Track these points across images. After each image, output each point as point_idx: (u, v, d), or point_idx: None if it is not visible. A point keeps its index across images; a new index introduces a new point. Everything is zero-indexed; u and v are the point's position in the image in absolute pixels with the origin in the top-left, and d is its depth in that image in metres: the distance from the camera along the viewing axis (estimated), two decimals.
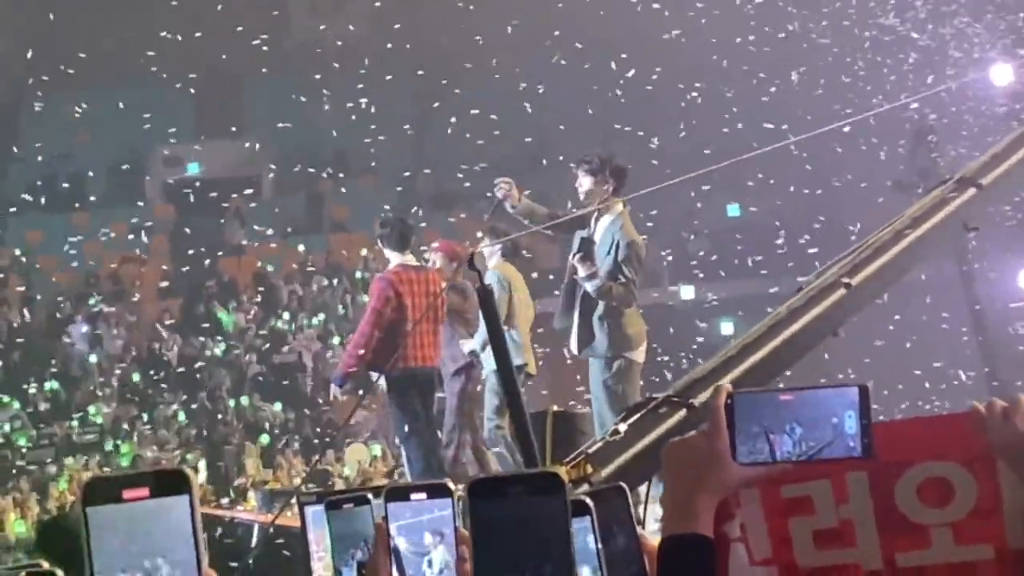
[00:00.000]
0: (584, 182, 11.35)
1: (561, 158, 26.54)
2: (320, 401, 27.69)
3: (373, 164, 34.49)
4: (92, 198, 35.81)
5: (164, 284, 32.42)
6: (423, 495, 2.65)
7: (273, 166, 35.88)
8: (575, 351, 11.33)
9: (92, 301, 31.01)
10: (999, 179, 8.67)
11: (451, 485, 2.66)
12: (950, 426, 2.72)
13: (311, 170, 34.61)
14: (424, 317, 12.25)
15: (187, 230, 33.54)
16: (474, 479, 2.27)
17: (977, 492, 2.68)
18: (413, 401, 12.51)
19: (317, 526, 3.43)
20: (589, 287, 11.03)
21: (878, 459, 2.59)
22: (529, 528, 2.21)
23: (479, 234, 13.94)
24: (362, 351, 12.48)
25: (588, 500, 2.71)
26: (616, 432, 6.96)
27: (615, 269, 11.02)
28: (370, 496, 3.23)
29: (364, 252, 30.79)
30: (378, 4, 32.35)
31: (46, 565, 2.14)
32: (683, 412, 7.05)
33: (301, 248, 33.26)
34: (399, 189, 33.35)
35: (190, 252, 32.07)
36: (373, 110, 30.94)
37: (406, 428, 12.56)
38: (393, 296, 12.40)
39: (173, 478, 1.93)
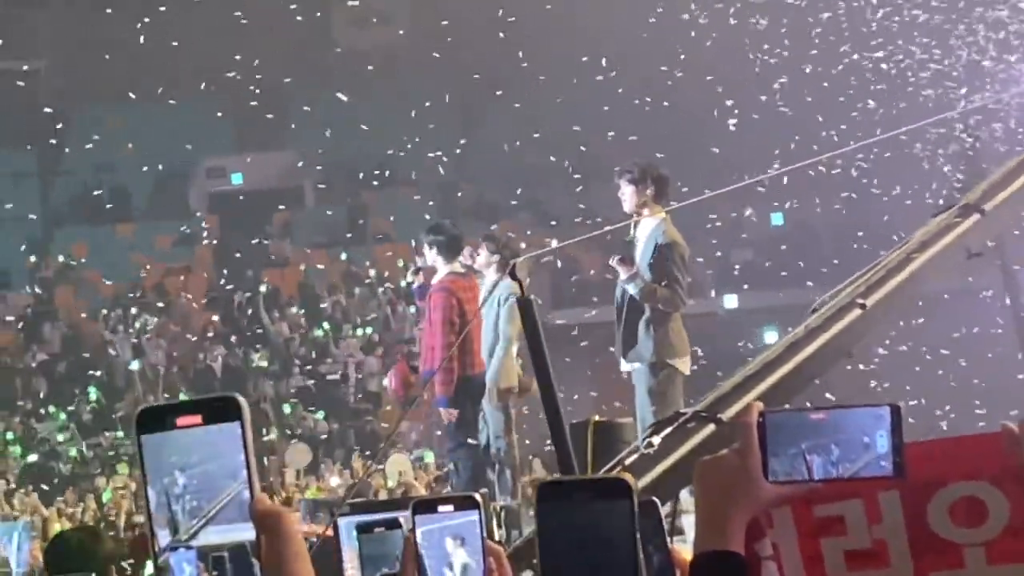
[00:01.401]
0: (626, 191, 11.30)
1: (611, 168, 26.56)
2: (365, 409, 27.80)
3: (415, 175, 34.56)
4: (137, 210, 36.02)
5: (210, 295, 32.57)
6: (450, 507, 2.65)
7: (315, 177, 35.97)
8: (620, 358, 11.27)
9: (136, 311, 31.16)
10: (1002, 205, 8.80)
11: (478, 497, 2.67)
12: (982, 445, 2.71)
13: (356, 180, 34.72)
14: (474, 324, 12.28)
15: (231, 241, 33.70)
16: (542, 482, 2.29)
17: (1010, 511, 2.66)
18: (467, 410, 12.53)
19: (350, 540, 3.44)
20: (631, 289, 10.98)
21: (910, 479, 2.58)
22: (596, 533, 2.22)
23: (522, 244, 13.87)
24: (453, 364, 12.44)
25: (629, 479, 2.72)
26: (650, 445, 7.01)
27: (659, 272, 10.97)
28: (402, 520, 3.23)
29: (401, 263, 30.86)
30: (421, 13, 32.47)
31: None
32: (711, 427, 7.12)
33: (344, 258, 33.34)
34: (439, 200, 33.40)
35: (233, 263, 32.22)
36: (415, 121, 31.01)
37: (458, 438, 12.56)
38: (456, 304, 12.43)
39: (225, 405, 1.95)
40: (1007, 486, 2.67)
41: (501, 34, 29.56)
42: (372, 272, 32.45)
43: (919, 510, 2.70)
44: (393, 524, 3.27)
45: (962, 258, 8.61)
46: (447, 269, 12.72)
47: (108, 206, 35.27)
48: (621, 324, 11.18)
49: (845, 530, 2.73)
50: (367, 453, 24.40)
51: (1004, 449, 2.62)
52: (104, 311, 31.75)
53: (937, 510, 2.69)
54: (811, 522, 2.73)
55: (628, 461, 7.11)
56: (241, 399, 1.97)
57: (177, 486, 1.93)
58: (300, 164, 35.72)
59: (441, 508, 2.65)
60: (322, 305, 31.51)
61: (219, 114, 34.02)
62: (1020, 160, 9.30)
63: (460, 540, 2.60)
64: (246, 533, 1.95)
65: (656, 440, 6.99)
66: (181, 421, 1.94)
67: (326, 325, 30.55)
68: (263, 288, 31.86)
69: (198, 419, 1.94)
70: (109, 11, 30.61)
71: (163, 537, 1.96)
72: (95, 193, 35.55)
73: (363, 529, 3.30)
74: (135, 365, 29.24)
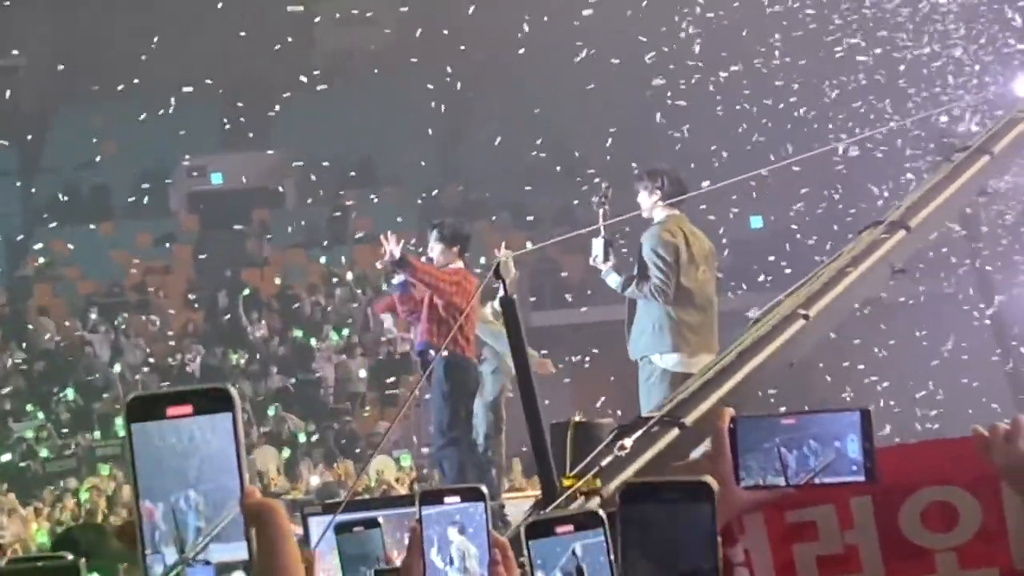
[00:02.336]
0: (641, 195, 11.62)
1: (590, 170, 26.60)
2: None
3: (397, 175, 34.53)
4: (117, 208, 35.94)
5: (190, 296, 32.53)
6: (456, 498, 2.66)
7: (296, 176, 35.91)
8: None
9: (115, 311, 31.10)
10: (926, 221, 9.21)
11: (483, 488, 2.67)
12: (952, 450, 2.71)
13: (337, 180, 34.68)
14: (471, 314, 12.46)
15: (210, 241, 33.65)
16: (628, 483, 2.27)
17: (981, 516, 2.67)
18: (460, 406, 12.57)
19: (325, 539, 3.42)
20: (611, 283, 11.42)
21: (882, 484, 2.58)
22: (678, 535, 2.21)
23: (503, 244, 13.92)
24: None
25: (601, 512, 2.71)
26: (623, 448, 7.18)
27: (640, 267, 11.31)
28: (380, 519, 3.22)
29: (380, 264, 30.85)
30: (404, 13, 32.44)
31: (70, 556, 2.14)
32: (675, 431, 7.36)
33: (323, 260, 33.29)
34: (421, 200, 33.39)
35: (213, 263, 32.17)
36: (397, 122, 30.99)
37: (449, 435, 12.55)
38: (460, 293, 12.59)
39: (217, 395, 1.93)
40: (978, 490, 2.67)
41: (488, 37, 29.58)
42: (349, 274, 32.38)
43: (891, 515, 2.69)
44: (372, 523, 3.26)
45: (887, 273, 8.98)
46: (448, 262, 12.86)
47: (89, 205, 35.20)
48: (629, 320, 11.52)
49: (817, 536, 2.73)
50: (357, 452, 24.36)
51: (975, 454, 2.62)
52: (83, 308, 31.66)
53: (909, 515, 2.69)
54: (783, 528, 2.72)
55: (604, 462, 7.21)
56: (233, 390, 1.95)
57: (167, 477, 1.92)
58: (281, 164, 35.65)
59: (447, 499, 2.65)
60: (295, 306, 31.44)
61: (200, 113, 33.95)
62: (941, 176, 9.64)
63: (465, 531, 2.61)
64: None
65: (628, 443, 7.15)
66: (172, 411, 1.92)
67: (301, 330, 30.50)
68: (246, 291, 31.79)
69: (189, 409, 1.92)
70: (90, 9, 30.52)
71: (168, 552, 1.94)
72: (76, 192, 35.49)
73: (341, 528, 3.29)
74: (116, 368, 29.16)
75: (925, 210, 9.22)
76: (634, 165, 12.61)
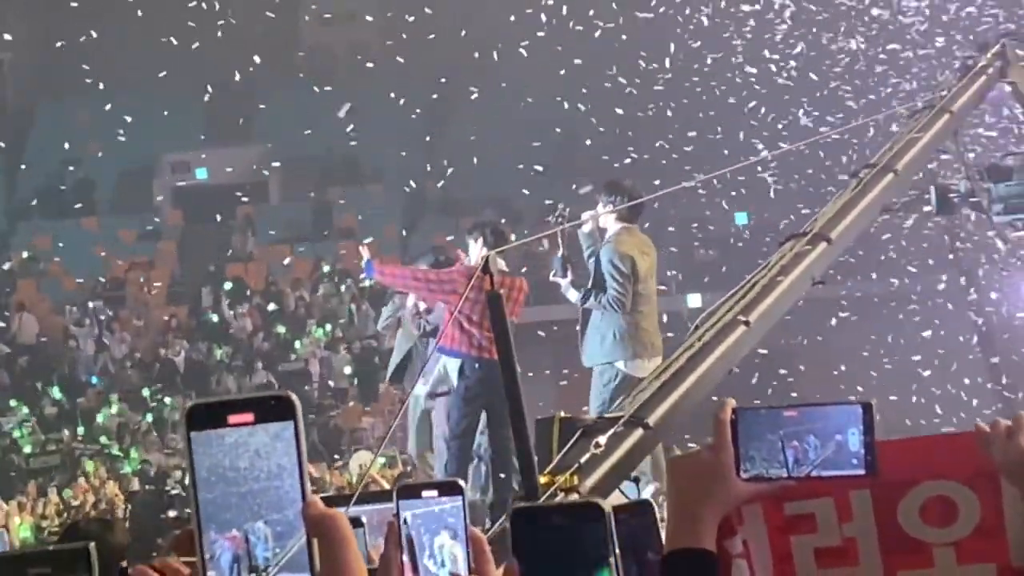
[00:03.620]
0: (599, 207, 12.05)
1: (577, 167, 26.60)
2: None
3: (381, 171, 34.50)
4: (101, 204, 35.87)
5: (172, 289, 32.49)
6: (435, 492, 2.64)
7: (280, 172, 35.87)
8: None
9: (99, 306, 31.05)
10: (845, 232, 9.76)
11: (462, 482, 2.66)
12: (953, 445, 2.71)
13: (321, 176, 34.66)
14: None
15: (194, 236, 33.61)
16: (516, 509, 2.27)
17: (980, 511, 2.66)
18: (479, 401, 12.59)
19: None
20: (570, 297, 11.99)
21: (881, 477, 2.58)
22: (571, 558, 2.20)
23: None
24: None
25: (603, 503, 2.72)
26: (599, 445, 7.39)
27: (596, 278, 11.79)
28: (363, 519, 3.21)
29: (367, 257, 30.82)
30: (389, 9, 32.43)
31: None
32: (640, 431, 7.64)
33: (304, 253, 33.28)
34: (406, 196, 33.38)
35: (196, 258, 32.13)
36: (382, 117, 30.96)
37: (458, 427, 12.56)
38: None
39: (279, 403, 1.89)
40: (978, 486, 2.67)
41: (464, 32, 29.59)
42: (326, 268, 32.37)
43: (890, 509, 2.69)
44: (355, 523, 3.24)
45: (808, 284, 9.38)
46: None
47: (73, 200, 35.12)
48: (583, 327, 12.09)
49: (815, 528, 2.72)
50: (354, 448, 24.34)
51: (976, 449, 2.62)
52: (67, 304, 31.61)
53: (908, 509, 2.69)
54: (781, 520, 2.72)
55: (584, 459, 7.41)
56: (294, 398, 1.91)
57: (227, 485, 1.88)
58: (265, 159, 35.62)
59: (425, 493, 2.64)
60: (271, 307, 31.42)
61: (184, 109, 33.90)
62: (851, 193, 10.18)
63: (443, 525, 2.59)
64: None
65: (602, 440, 7.37)
66: (233, 419, 1.89)
67: (283, 326, 30.49)
68: (227, 285, 31.77)
69: (250, 417, 1.89)
70: (74, 5, 30.43)
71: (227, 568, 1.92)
72: (59, 187, 35.41)
73: None
74: (100, 363, 29.12)
75: (843, 223, 9.75)
76: (616, 165, 12.82)
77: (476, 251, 12.97)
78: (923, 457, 2.71)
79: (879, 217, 10.95)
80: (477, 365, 12.44)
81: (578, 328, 12.21)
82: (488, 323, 12.36)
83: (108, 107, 31.99)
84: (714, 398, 8.65)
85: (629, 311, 11.69)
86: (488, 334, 12.55)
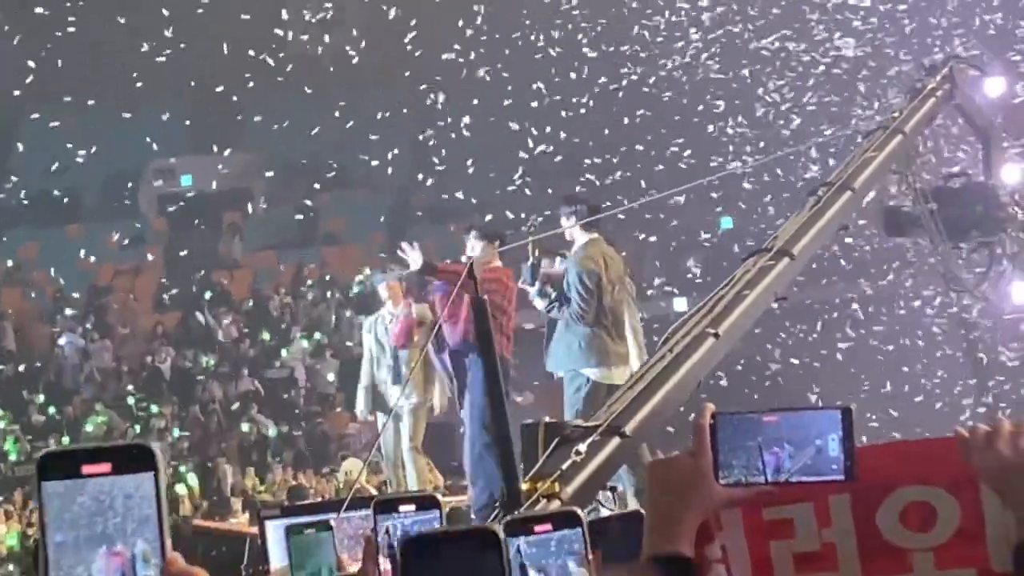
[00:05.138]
0: (563, 222, 12.47)
1: (562, 173, 26.63)
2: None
3: (367, 178, 34.49)
4: (87, 211, 35.83)
5: (158, 296, 32.44)
6: (412, 507, 2.63)
7: (266, 179, 35.84)
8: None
9: (85, 313, 31.02)
10: (807, 247, 10.00)
11: (439, 496, 2.65)
12: (933, 450, 2.70)
13: (307, 182, 34.64)
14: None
15: (180, 243, 33.58)
16: (407, 538, 2.18)
17: (960, 517, 2.66)
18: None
19: (278, 541, 3.38)
20: (538, 304, 12.32)
21: (861, 482, 2.57)
22: None
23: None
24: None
25: (579, 511, 2.71)
26: (579, 453, 7.45)
27: (567, 291, 12.12)
28: (333, 522, 3.19)
29: (366, 270, 30.93)
30: (375, 16, 32.42)
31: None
32: (617, 440, 7.74)
33: (290, 259, 33.27)
34: (392, 202, 33.39)
35: (183, 264, 32.09)
36: (367, 124, 30.96)
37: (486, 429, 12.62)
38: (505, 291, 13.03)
39: (138, 453, 1.82)
40: (958, 491, 2.66)
41: (455, 36, 29.61)
42: (309, 275, 32.36)
43: (869, 514, 2.69)
44: (324, 526, 3.23)
45: (772, 298, 9.56)
46: (489, 260, 13.11)
47: (58, 208, 35.08)
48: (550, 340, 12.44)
49: (794, 533, 2.72)
50: (342, 456, 24.30)
51: (956, 454, 2.61)
52: (53, 311, 31.56)
53: (887, 514, 2.68)
54: (760, 525, 2.71)
55: (566, 465, 7.46)
56: (155, 447, 1.84)
57: (81, 538, 1.80)
58: (251, 166, 35.59)
59: (402, 508, 2.63)
60: (257, 314, 31.40)
61: (169, 116, 33.85)
62: (810, 211, 10.42)
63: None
64: None
65: (583, 447, 7.45)
66: (88, 469, 1.80)
67: (268, 334, 30.47)
68: (207, 295, 31.75)
69: (107, 467, 1.81)
70: (60, 14, 30.41)
71: None
72: (45, 195, 35.35)
73: (294, 531, 3.25)
74: (86, 370, 29.06)
75: (804, 239, 10.01)
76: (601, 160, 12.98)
77: (478, 249, 13.18)
78: (903, 462, 2.70)
79: (837, 233, 11.13)
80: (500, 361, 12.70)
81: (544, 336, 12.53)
82: (499, 321, 12.66)
83: (94, 115, 31.98)
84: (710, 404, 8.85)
85: (592, 323, 12.04)
86: (503, 335, 12.83)
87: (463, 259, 13.32)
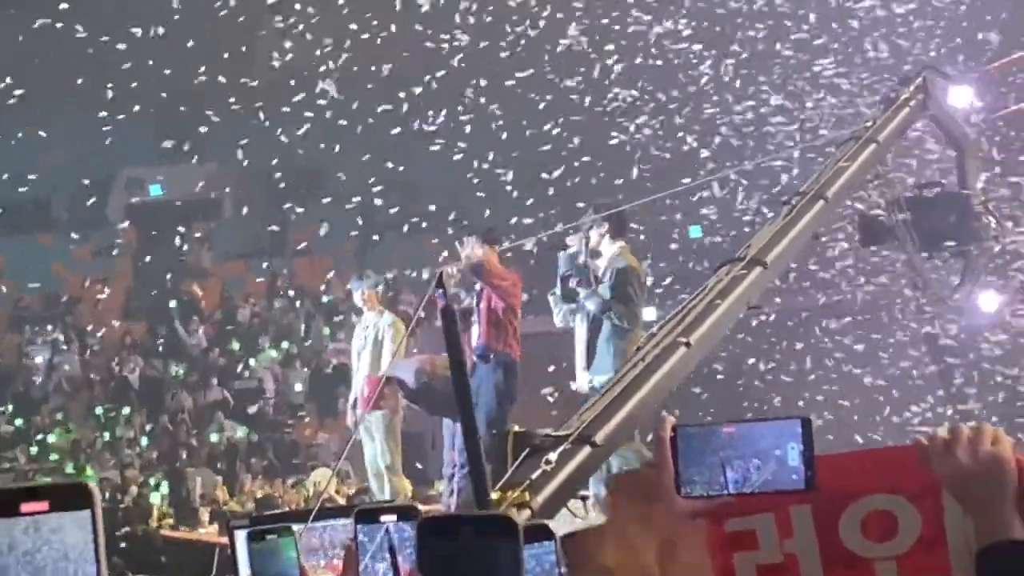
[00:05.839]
0: (592, 233, 12.61)
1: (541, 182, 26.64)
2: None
3: (338, 187, 34.41)
4: (56, 220, 35.68)
5: (127, 305, 32.33)
6: (393, 517, 2.62)
7: (236, 188, 35.74)
8: (583, 373, 12.53)
9: (51, 325, 30.91)
10: (779, 257, 10.02)
11: (420, 507, 2.64)
12: (893, 459, 2.71)
13: (277, 192, 34.54)
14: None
15: (149, 252, 33.48)
16: (423, 518, 2.21)
17: (921, 525, 2.67)
18: (513, 397, 13.01)
19: (247, 552, 3.36)
20: (591, 305, 12.31)
21: (822, 492, 2.58)
22: (480, 571, 2.12)
23: (444, 254, 14.15)
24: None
25: (551, 525, 2.70)
26: (549, 462, 7.46)
27: (617, 292, 12.29)
28: (294, 527, 3.18)
29: (329, 275, 30.89)
30: (348, 26, 32.35)
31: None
32: (588, 449, 7.75)
33: (260, 269, 33.21)
34: (365, 211, 33.31)
35: (153, 274, 31.98)
36: (338, 134, 30.89)
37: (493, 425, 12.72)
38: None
39: (75, 491, 1.82)
40: (919, 500, 2.67)
41: (429, 44, 29.58)
42: (291, 284, 32.29)
43: (831, 524, 2.69)
44: (286, 531, 3.21)
45: (744, 308, 9.60)
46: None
47: (27, 216, 34.91)
48: (583, 340, 12.52)
49: (756, 544, 2.72)
50: (311, 465, 24.25)
51: (916, 463, 2.62)
52: (22, 321, 31.44)
53: (849, 524, 2.69)
54: (723, 537, 2.72)
55: (535, 475, 7.48)
56: (93, 486, 1.84)
57: None
58: (221, 175, 35.49)
59: (383, 518, 2.62)
60: (227, 324, 31.32)
61: (140, 125, 33.71)
62: (785, 220, 10.45)
63: (401, 549, 2.57)
64: None
65: (553, 457, 7.47)
66: (25, 507, 1.80)
67: (237, 343, 30.40)
68: (172, 304, 31.66)
69: (44, 506, 1.81)
70: (29, 21, 30.29)
71: None
72: (14, 203, 35.17)
73: (255, 537, 3.23)
74: (55, 381, 28.95)
75: (776, 248, 10.01)
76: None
77: (479, 253, 13.30)
78: (863, 472, 2.71)
79: (810, 242, 11.19)
80: (514, 363, 12.91)
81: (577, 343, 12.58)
82: (514, 325, 12.82)
83: (63, 124, 31.85)
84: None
85: (638, 326, 12.31)
86: (515, 339, 12.99)
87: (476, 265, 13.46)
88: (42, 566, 1.81)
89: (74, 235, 34.35)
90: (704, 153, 24.30)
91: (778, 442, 2.53)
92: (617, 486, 2.65)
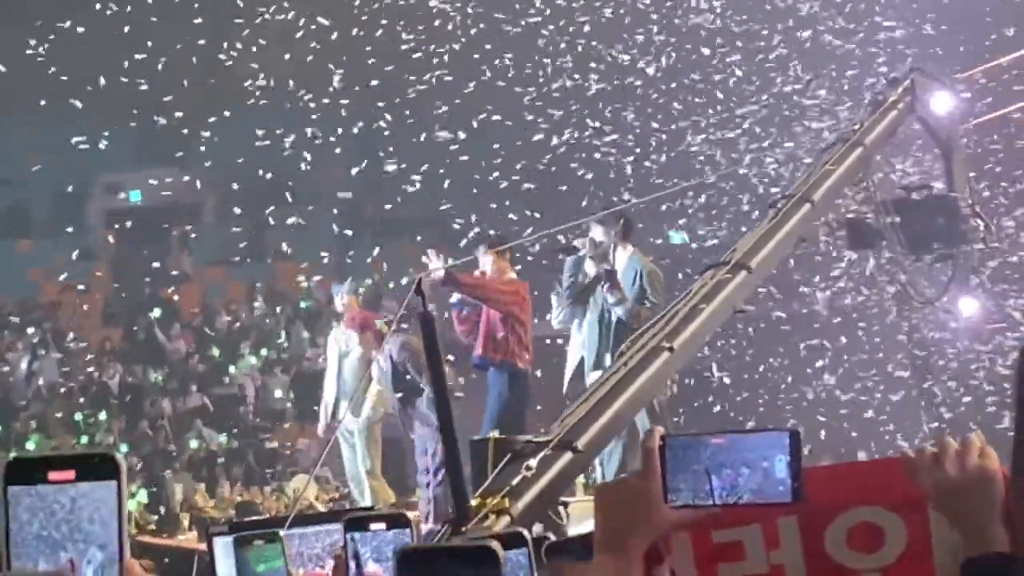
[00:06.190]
0: (596, 231, 12.78)
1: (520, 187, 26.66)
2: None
3: (318, 192, 34.40)
4: (35, 226, 35.62)
5: (106, 311, 32.26)
6: (383, 525, 2.61)
7: (215, 194, 35.70)
8: (593, 374, 12.42)
9: (32, 330, 30.83)
10: (764, 261, 10.03)
11: (410, 515, 2.63)
12: (880, 471, 2.71)
13: (257, 197, 34.49)
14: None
15: (129, 258, 33.41)
16: (403, 549, 2.19)
17: (907, 537, 2.67)
18: (521, 408, 13.03)
19: (227, 558, 3.35)
20: (620, 311, 12.43)
21: (808, 504, 2.58)
22: None
23: (424, 258, 14.06)
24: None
25: (525, 532, 2.69)
26: (529, 468, 7.47)
27: (641, 294, 12.51)
28: (281, 532, 3.17)
29: (312, 279, 30.90)
30: (327, 32, 32.35)
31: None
32: (569, 455, 7.77)
33: (239, 275, 33.16)
34: (345, 216, 33.31)
35: (132, 280, 31.92)
36: (318, 139, 30.88)
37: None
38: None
39: (102, 462, 1.85)
40: (905, 512, 2.67)
41: (406, 47, 29.62)
42: (271, 290, 32.25)
43: (817, 535, 2.69)
44: (272, 537, 3.20)
45: (730, 312, 9.64)
46: (503, 273, 13.27)
47: (6, 223, 34.86)
48: (603, 344, 12.55)
49: (743, 555, 2.72)
50: (291, 471, 24.21)
51: (902, 475, 2.62)
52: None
53: (835, 535, 2.69)
54: (709, 548, 2.72)
55: (515, 481, 7.47)
56: (119, 457, 1.88)
57: (44, 543, 1.82)
58: (201, 181, 35.42)
59: (373, 526, 2.61)
60: (206, 329, 31.27)
61: (118, 131, 33.65)
62: (775, 219, 10.53)
63: (390, 557, 2.57)
64: None
65: (533, 463, 7.48)
66: (53, 476, 1.84)
67: (217, 349, 30.36)
68: (153, 313, 31.62)
69: (71, 475, 1.84)
70: (8, 27, 30.24)
71: None
72: None
73: (241, 543, 3.22)
74: (33, 387, 28.88)
75: (762, 252, 10.04)
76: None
77: (488, 262, 13.29)
78: (850, 483, 2.71)
79: (797, 246, 11.20)
80: (520, 373, 12.90)
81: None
82: (517, 333, 12.81)
83: (42, 130, 31.78)
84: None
85: None
86: (522, 347, 12.98)
87: (476, 272, 13.43)
88: (68, 533, 1.84)
89: (52, 241, 34.30)
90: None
91: (766, 453, 2.53)
92: (603, 496, 2.64)
